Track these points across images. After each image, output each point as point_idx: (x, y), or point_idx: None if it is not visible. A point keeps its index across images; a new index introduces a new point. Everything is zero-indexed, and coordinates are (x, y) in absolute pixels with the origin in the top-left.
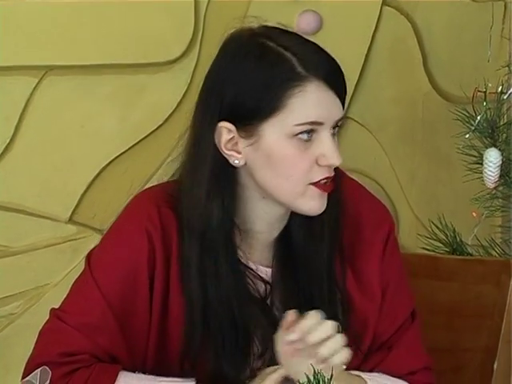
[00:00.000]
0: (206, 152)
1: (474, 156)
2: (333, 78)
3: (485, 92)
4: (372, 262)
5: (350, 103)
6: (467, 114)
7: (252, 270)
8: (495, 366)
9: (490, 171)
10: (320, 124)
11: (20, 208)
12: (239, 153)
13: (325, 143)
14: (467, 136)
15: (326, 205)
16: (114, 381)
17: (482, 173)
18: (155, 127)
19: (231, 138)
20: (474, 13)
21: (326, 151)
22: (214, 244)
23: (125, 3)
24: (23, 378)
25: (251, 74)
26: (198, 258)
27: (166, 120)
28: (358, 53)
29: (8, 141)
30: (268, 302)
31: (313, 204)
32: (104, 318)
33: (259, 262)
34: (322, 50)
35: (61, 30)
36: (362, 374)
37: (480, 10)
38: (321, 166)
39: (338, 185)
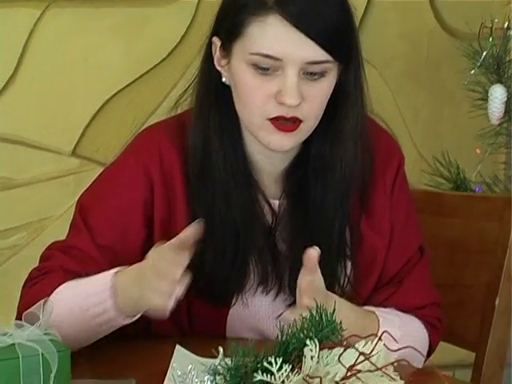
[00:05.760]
0: (205, 66)
1: (479, 92)
2: (304, 17)
3: (491, 28)
4: (382, 195)
5: None
6: (473, 50)
7: (261, 199)
8: (497, 302)
9: (495, 107)
10: (277, 60)
11: (23, 140)
12: (226, 71)
13: (285, 80)
14: (472, 72)
15: (290, 145)
16: (58, 284)
17: (486, 109)
18: (159, 60)
19: (221, 55)
20: None
21: (282, 88)
22: (224, 166)
23: None
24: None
25: None
26: (204, 180)
27: (170, 53)
28: None
29: (11, 73)
30: (273, 233)
31: (272, 139)
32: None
33: (269, 195)
34: None
35: None
36: (376, 310)
37: None
38: (278, 103)
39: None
